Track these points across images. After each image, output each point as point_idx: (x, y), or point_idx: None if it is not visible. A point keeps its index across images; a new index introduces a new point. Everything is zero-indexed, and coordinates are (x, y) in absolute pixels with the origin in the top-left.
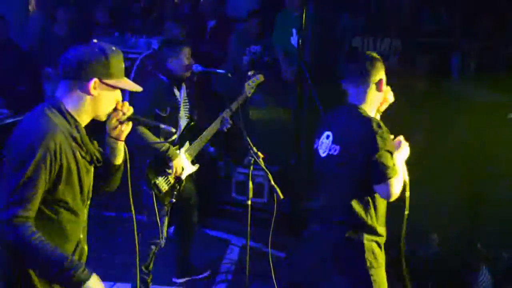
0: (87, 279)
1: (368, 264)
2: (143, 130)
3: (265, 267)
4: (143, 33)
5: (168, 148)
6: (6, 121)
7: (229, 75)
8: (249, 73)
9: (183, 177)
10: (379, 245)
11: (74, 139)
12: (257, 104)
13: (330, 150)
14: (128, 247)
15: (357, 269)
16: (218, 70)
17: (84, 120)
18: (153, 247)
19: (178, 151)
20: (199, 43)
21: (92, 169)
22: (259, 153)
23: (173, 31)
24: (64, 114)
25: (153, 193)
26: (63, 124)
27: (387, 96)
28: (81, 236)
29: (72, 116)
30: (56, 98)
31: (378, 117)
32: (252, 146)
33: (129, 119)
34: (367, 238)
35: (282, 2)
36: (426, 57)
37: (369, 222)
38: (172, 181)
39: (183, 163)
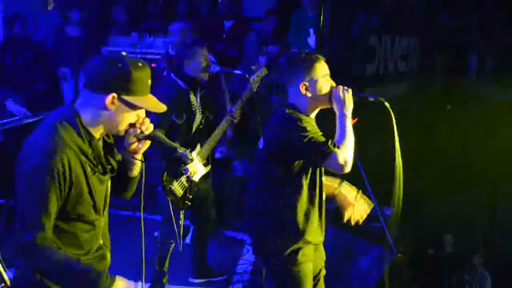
0: (111, 284)
1: (287, 261)
2: (159, 134)
3: None
4: (161, 33)
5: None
6: (25, 121)
7: (247, 75)
8: (252, 67)
9: (196, 179)
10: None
11: (85, 154)
12: (273, 104)
13: (259, 144)
14: (144, 246)
15: (276, 263)
16: (235, 71)
17: (100, 133)
18: (168, 247)
19: (192, 155)
20: (216, 43)
21: (108, 177)
22: None
23: (181, 31)
24: (78, 128)
25: (169, 198)
26: (74, 139)
27: (322, 99)
28: (100, 241)
29: (86, 130)
30: (73, 109)
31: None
32: None
33: (147, 137)
34: (286, 237)
35: (298, 2)
36: (443, 56)
37: (285, 220)
38: (186, 184)
39: (197, 167)
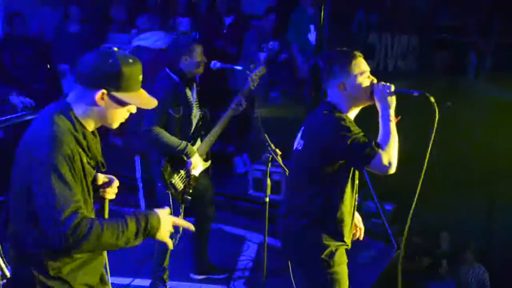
0: (158, 222)
1: (325, 262)
2: (159, 129)
3: (282, 264)
4: (160, 30)
5: (186, 146)
6: (25, 118)
7: (247, 72)
8: (251, 66)
9: (196, 174)
10: (337, 247)
11: (81, 145)
12: (273, 101)
13: (297, 144)
14: (145, 243)
15: (314, 265)
16: (235, 67)
17: (92, 126)
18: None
19: (193, 148)
20: (216, 40)
21: (94, 172)
22: (277, 150)
23: (183, 26)
24: (72, 120)
25: (169, 192)
26: (71, 130)
27: (362, 97)
28: None
29: (79, 122)
30: (66, 103)
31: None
32: (270, 143)
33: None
34: (325, 238)
35: None
36: (443, 55)
37: (323, 220)
38: (186, 179)
39: (198, 161)
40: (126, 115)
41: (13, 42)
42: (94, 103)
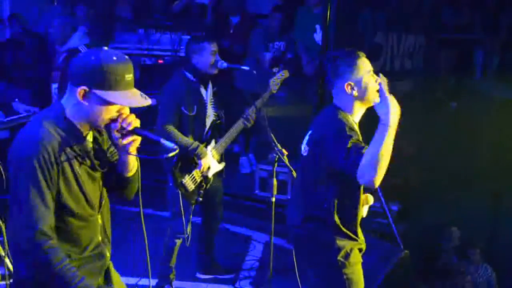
0: None
1: (341, 264)
2: (171, 128)
3: (288, 264)
4: (167, 29)
5: (197, 147)
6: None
7: (254, 72)
8: (274, 69)
9: (210, 175)
10: (352, 247)
11: (71, 146)
12: (279, 100)
13: (303, 150)
14: (152, 243)
15: (330, 267)
16: (242, 67)
17: (86, 126)
18: (176, 242)
19: (205, 149)
20: (222, 39)
21: (99, 174)
22: (283, 150)
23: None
24: (62, 121)
25: (179, 191)
26: (59, 132)
27: (369, 97)
28: (99, 238)
29: (71, 122)
30: (59, 104)
31: (356, 119)
32: (276, 143)
33: (130, 132)
34: (339, 239)
35: None
36: (449, 54)
37: (334, 223)
38: (198, 179)
39: (210, 162)
40: (115, 115)
41: (17, 42)
42: (78, 100)
